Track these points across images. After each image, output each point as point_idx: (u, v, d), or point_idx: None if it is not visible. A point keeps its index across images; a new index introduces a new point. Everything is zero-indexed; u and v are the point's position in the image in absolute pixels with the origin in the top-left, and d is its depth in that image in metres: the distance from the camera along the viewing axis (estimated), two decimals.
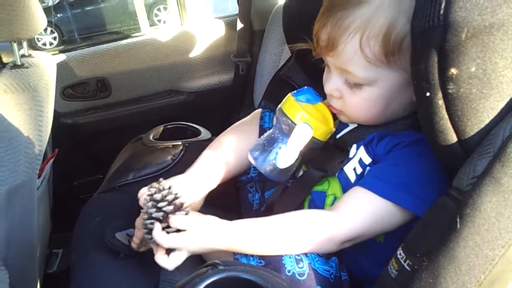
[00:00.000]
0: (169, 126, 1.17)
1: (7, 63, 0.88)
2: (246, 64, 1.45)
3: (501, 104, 0.45)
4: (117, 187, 0.96)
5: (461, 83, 0.44)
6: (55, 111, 0.95)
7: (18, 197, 0.67)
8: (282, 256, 0.59)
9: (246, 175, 0.81)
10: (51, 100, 0.88)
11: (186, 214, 0.60)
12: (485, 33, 0.41)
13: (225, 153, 0.75)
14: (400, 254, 0.50)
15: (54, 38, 5.00)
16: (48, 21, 0.95)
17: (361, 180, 0.63)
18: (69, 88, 1.39)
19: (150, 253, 0.62)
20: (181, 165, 0.97)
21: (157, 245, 0.60)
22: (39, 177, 0.81)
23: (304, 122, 0.63)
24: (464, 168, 0.47)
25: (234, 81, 1.51)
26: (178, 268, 0.60)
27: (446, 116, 0.47)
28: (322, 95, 0.68)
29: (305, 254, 0.60)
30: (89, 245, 0.79)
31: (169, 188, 0.61)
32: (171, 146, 1.03)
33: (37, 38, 4.44)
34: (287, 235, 0.61)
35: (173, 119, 1.22)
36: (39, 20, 0.86)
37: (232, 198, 0.85)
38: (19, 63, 0.86)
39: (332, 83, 0.63)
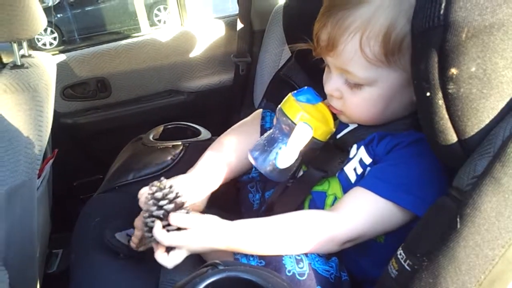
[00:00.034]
0: (169, 126, 1.17)
1: (7, 63, 0.88)
2: (246, 64, 1.45)
3: (501, 104, 0.45)
4: (117, 187, 0.96)
5: (461, 83, 0.44)
6: (55, 111, 0.95)
7: (18, 197, 0.67)
8: (282, 256, 0.59)
9: (247, 175, 0.81)
10: (51, 100, 0.88)
11: (187, 213, 0.60)
12: (485, 33, 0.41)
13: (227, 154, 0.75)
14: (400, 254, 0.50)
15: (54, 38, 5.00)
16: (48, 21, 0.95)
17: (361, 180, 0.63)
18: (69, 88, 1.38)
19: (150, 253, 0.62)
20: (181, 165, 0.97)
21: (157, 243, 0.60)
22: (39, 177, 0.80)
23: (304, 122, 0.63)
24: (464, 168, 0.47)
25: (234, 81, 1.51)
26: (178, 268, 0.60)
27: (446, 116, 0.47)
28: (322, 95, 0.68)
29: (305, 254, 0.60)
30: (89, 245, 0.79)
31: (171, 187, 0.62)
32: (171, 146, 1.03)
33: (37, 38, 4.44)
34: (288, 235, 0.61)
35: (173, 119, 1.22)
36: (39, 20, 0.86)
37: (232, 199, 0.85)
38: (19, 63, 0.86)
39: (332, 83, 0.63)
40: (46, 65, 0.93)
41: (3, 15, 0.77)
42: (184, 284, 0.48)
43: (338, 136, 0.69)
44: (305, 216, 0.63)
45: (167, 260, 0.59)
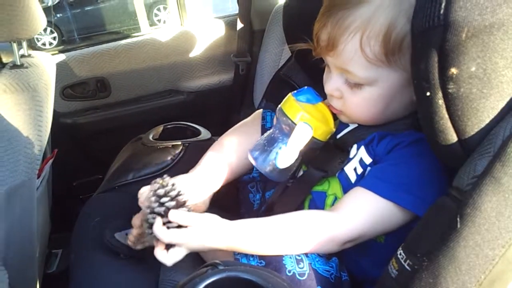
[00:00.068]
0: (168, 126, 1.17)
1: (6, 63, 0.88)
2: (246, 64, 1.45)
3: (501, 104, 0.45)
4: (117, 187, 0.96)
5: (461, 82, 0.44)
6: (54, 111, 0.95)
7: (17, 197, 0.67)
8: (282, 256, 0.59)
9: (248, 175, 0.81)
10: (50, 100, 0.88)
11: (188, 211, 0.61)
12: (485, 32, 0.41)
13: (228, 155, 0.75)
14: (400, 254, 0.50)
15: (54, 38, 5.00)
16: (48, 21, 0.95)
17: (361, 180, 0.63)
18: (69, 88, 1.38)
19: (150, 253, 0.62)
20: (181, 165, 0.97)
21: (157, 240, 0.60)
22: (38, 177, 0.80)
23: (304, 122, 0.63)
24: (464, 168, 0.47)
25: (234, 81, 1.51)
26: (178, 268, 0.60)
27: (446, 116, 0.47)
28: (322, 95, 0.68)
29: (306, 254, 0.60)
30: (89, 245, 0.79)
31: (173, 184, 0.62)
32: (170, 146, 1.03)
33: (37, 38, 4.44)
34: (288, 235, 0.61)
35: (172, 119, 1.22)
36: (39, 20, 0.86)
37: (233, 199, 0.85)
38: (18, 63, 0.86)
39: (332, 83, 0.63)
40: (46, 65, 0.93)
41: (3, 15, 0.77)
42: (184, 284, 0.48)
43: (338, 136, 0.69)
44: (305, 216, 0.63)
45: (166, 258, 0.59)
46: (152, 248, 0.62)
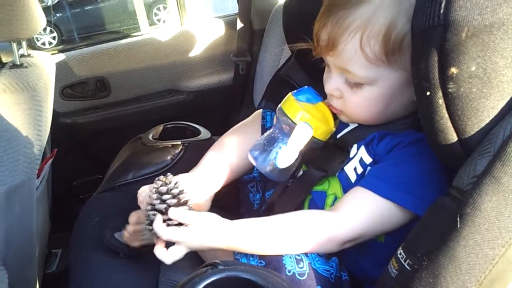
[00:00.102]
0: (168, 126, 1.17)
1: (6, 63, 0.88)
2: (246, 64, 1.44)
3: (501, 104, 0.45)
4: (116, 187, 0.96)
5: (461, 82, 0.44)
6: (54, 111, 0.95)
7: (17, 197, 0.67)
8: (282, 256, 0.59)
9: (248, 175, 0.81)
10: (50, 100, 0.88)
11: (189, 210, 0.61)
12: (485, 32, 0.41)
13: (229, 155, 0.75)
14: (400, 254, 0.50)
15: (53, 38, 5.00)
16: (48, 21, 0.95)
17: (361, 180, 0.63)
18: (68, 88, 1.38)
19: (150, 253, 0.62)
20: (180, 165, 0.97)
21: (157, 237, 0.60)
22: (38, 177, 0.80)
23: (304, 122, 0.63)
24: (465, 168, 0.47)
25: (234, 80, 1.51)
26: (177, 268, 0.60)
27: (447, 116, 0.47)
28: (322, 95, 0.68)
29: (306, 254, 0.60)
30: (88, 245, 0.79)
31: (176, 183, 0.62)
32: (170, 145, 1.03)
33: (36, 38, 4.44)
34: (288, 235, 0.60)
35: (172, 119, 1.22)
36: (39, 19, 0.86)
37: (233, 198, 0.85)
38: (18, 63, 0.86)
39: (332, 83, 0.63)
40: (45, 64, 0.93)
41: (3, 15, 0.77)
42: (184, 283, 0.48)
43: (338, 135, 0.69)
44: (305, 216, 0.62)
45: (166, 256, 0.59)
46: (152, 247, 0.62)
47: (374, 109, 0.62)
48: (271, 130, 0.69)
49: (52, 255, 1.10)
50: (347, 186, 0.65)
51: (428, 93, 0.46)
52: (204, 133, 1.13)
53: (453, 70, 0.43)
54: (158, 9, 5.22)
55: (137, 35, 1.49)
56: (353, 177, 0.65)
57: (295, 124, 0.63)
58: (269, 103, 1.25)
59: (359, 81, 0.60)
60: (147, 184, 0.70)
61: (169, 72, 1.48)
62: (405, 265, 0.49)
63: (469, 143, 0.47)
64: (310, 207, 0.69)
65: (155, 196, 0.61)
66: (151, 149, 1.03)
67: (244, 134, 0.79)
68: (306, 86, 0.69)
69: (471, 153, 0.47)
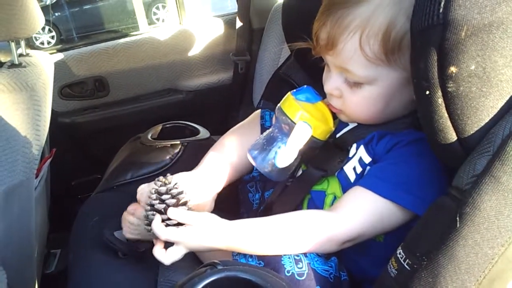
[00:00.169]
0: (167, 125, 1.17)
1: (4, 62, 0.88)
2: (245, 63, 1.44)
3: (501, 103, 0.45)
4: (115, 186, 0.96)
5: (460, 81, 0.44)
6: (52, 110, 0.94)
7: (16, 197, 0.67)
8: (281, 256, 0.59)
9: (248, 174, 0.81)
10: (49, 100, 0.88)
11: (189, 210, 0.61)
12: (485, 31, 0.41)
13: (229, 155, 0.75)
14: (400, 254, 0.50)
15: (52, 37, 4.98)
16: (46, 20, 0.94)
17: (361, 179, 0.63)
18: (67, 87, 1.38)
19: (149, 253, 0.62)
20: (180, 165, 0.96)
21: (156, 238, 0.60)
22: (36, 176, 0.80)
23: (304, 121, 0.62)
24: (464, 167, 0.47)
25: (233, 79, 1.51)
26: (176, 268, 0.60)
27: (446, 115, 0.46)
28: (321, 94, 0.68)
29: (305, 254, 0.60)
30: (87, 244, 0.79)
31: (175, 183, 0.62)
32: (169, 145, 1.03)
33: (35, 37, 4.43)
34: (287, 235, 0.60)
35: (171, 118, 1.21)
36: (37, 19, 0.86)
37: (232, 198, 0.85)
38: (17, 63, 0.86)
39: (331, 82, 0.63)
40: (44, 64, 0.92)
41: (1, 14, 0.77)
42: (183, 283, 0.48)
43: (338, 135, 0.69)
44: (305, 216, 0.62)
45: (164, 256, 0.59)
46: (151, 248, 0.62)
47: (373, 109, 0.62)
48: (270, 129, 0.69)
49: (51, 255, 1.10)
50: (346, 185, 0.65)
51: (427, 92, 0.46)
52: (203, 133, 1.13)
53: (453, 69, 0.43)
54: (157, 8, 5.21)
55: (136, 34, 1.49)
56: (352, 177, 0.65)
57: (295, 123, 0.63)
58: (268, 102, 1.24)
59: (358, 81, 0.60)
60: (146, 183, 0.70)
61: (168, 71, 1.47)
62: (405, 264, 0.49)
63: (468, 143, 0.47)
64: (309, 207, 0.69)
65: (154, 196, 0.61)
66: (150, 149, 1.02)
67: (244, 134, 0.78)
68: (305, 86, 0.69)
69: (470, 152, 0.47)
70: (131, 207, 0.69)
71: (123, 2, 5.43)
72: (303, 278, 0.57)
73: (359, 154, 0.65)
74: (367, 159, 0.63)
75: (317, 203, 0.68)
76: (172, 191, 0.61)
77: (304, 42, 0.65)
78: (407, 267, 0.49)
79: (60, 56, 1.36)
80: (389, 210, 0.59)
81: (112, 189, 0.96)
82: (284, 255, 0.59)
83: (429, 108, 0.47)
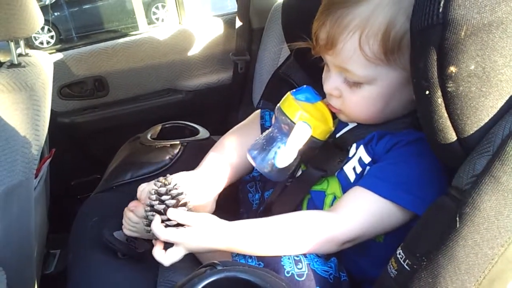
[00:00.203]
0: (167, 125, 1.16)
1: (4, 62, 0.88)
2: (245, 63, 1.44)
3: (501, 103, 0.45)
4: (115, 187, 0.96)
5: (460, 81, 0.44)
6: (52, 110, 0.94)
7: (15, 197, 0.67)
8: (281, 257, 0.59)
9: (248, 174, 0.81)
10: (48, 100, 0.87)
11: (188, 211, 0.61)
12: (484, 31, 0.41)
13: (230, 156, 0.75)
14: (399, 254, 0.50)
15: (51, 37, 4.98)
16: (45, 20, 0.94)
17: (361, 179, 0.63)
18: (67, 87, 1.38)
19: (148, 254, 0.62)
20: (179, 165, 0.96)
21: (156, 239, 0.60)
22: (36, 177, 0.80)
23: (303, 121, 0.62)
24: (464, 167, 0.47)
25: (233, 79, 1.50)
26: (176, 268, 0.60)
27: (446, 115, 0.46)
28: (321, 94, 0.68)
29: (304, 255, 0.60)
30: (87, 245, 0.79)
31: (175, 184, 0.62)
32: (169, 145, 1.02)
33: (34, 37, 4.44)
34: (287, 236, 0.60)
35: (171, 118, 1.21)
36: (37, 18, 0.86)
37: (232, 199, 0.85)
38: (16, 62, 0.85)
39: (331, 82, 0.63)
40: (43, 64, 0.92)
41: (1, 14, 0.77)
42: (182, 284, 0.48)
43: (338, 135, 0.69)
44: (304, 217, 0.62)
45: (164, 257, 0.59)
46: (150, 248, 0.62)
47: (373, 108, 0.62)
48: (270, 129, 0.69)
49: (51, 255, 1.10)
50: (346, 185, 0.65)
51: (427, 92, 0.46)
52: (203, 133, 1.13)
53: (452, 69, 0.43)
54: (157, 7, 5.21)
55: (136, 34, 1.49)
56: (352, 177, 0.64)
57: (294, 123, 0.63)
58: (268, 102, 1.24)
59: (358, 80, 0.60)
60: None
61: (168, 71, 1.47)
62: (404, 265, 0.49)
63: (468, 143, 0.47)
64: (308, 207, 0.69)
65: (154, 196, 0.61)
66: (149, 149, 1.02)
67: (244, 135, 0.78)
68: (305, 85, 0.69)
69: (470, 152, 0.47)
70: (132, 204, 0.70)
71: (123, 2, 5.42)
72: (302, 278, 0.57)
73: (358, 154, 0.65)
74: (367, 159, 0.63)
75: (317, 203, 0.68)
76: (172, 192, 0.61)
77: (303, 41, 0.65)
78: (406, 267, 0.48)
79: (59, 56, 1.35)
80: (389, 210, 0.59)
81: (111, 189, 0.96)
82: (284, 255, 0.59)
83: (429, 108, 0.47)
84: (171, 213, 0.59)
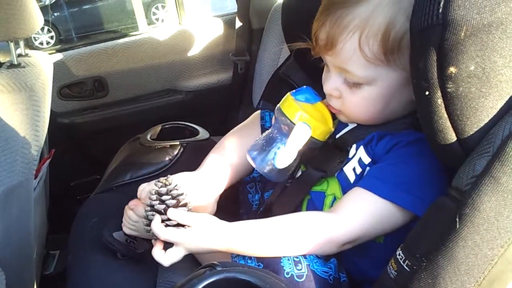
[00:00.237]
0: (166, 126, 1.16)
1: (3, 63, 0.88)
2: (245, 63, 1.44)
3: (500, 103, 0.45)
4: (114, 187, 0.96)
5: (460, 82, 0.44)
6: (52, 111, 0.94)
7: (14, 198, 0.67)
8: (280, 258, 0.59)
9: (248, 175, 0.81)
10: (48, 100, 0.87)
11: (188, 211, 0.61)
12: (484, 31, 0.41)
13: (230, 157, 0.75)
14: (399, 255, 0.50)
15: (51, 37, 4.98)
16: (45, 20, 0.94)
17: (360, 180, 0.62)
18: (66, 88, 1.38)
19: (148, 254, 0.62)
20: (179, 165, 0.96)
21: (156, 239, 0.60)
22: (35, 177, 0.80)
23: (303, 122, 0.62)
24: (464, 168, 0.47)
25: (232, 80, 1.51)
26: (175, 269, 0.60)
27: (445, 115, 0.46)
28: (321, 95, 0.67)
29: (304, 256, 0.60)
30: (86, 245, 0.79)
31: (176, 185, 0.63)
32: (168, 146, 1.02)
33: (34, 37, 4.44)
34: (287, 237, 0.60)
35: (171, 119, 1.21)
36: (36, 19, 0.86)
37: (232, 199, 0.85)
38: (16, 63, 0.85)
39: (331, 83, 0.63)
40: (43, 64, 0.92)
41: (1, 14, 0.77)
42: (182, 285, 0.48)
43: (337, 135, 0.69)
44: (304, 218, 0.62)
45: (163, 258, 0.59)
46: (150, 249, 0.62)
47: (373, 109, 0.62)
48: (269, 130, 0.69)
49: (50, 256, 1.10)
50: (346, 186, 0.64)
51: (427, 93, 0.46)
52: (203, 133, 1.13)
53: (452, 69, 0.43)
54: (157, 8, 5.21)
55: (135, 35, 1.49)
56: (352, 178, 0.64)
57: (294, 124, 0.63)
58: (268, 103, 1.24)
59: (358, 81, 0.60)
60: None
61: (168, 71, 1.47)
62: (404, 266, 0.49)
63: (468, 143, 0.47)
64: (308, 208, 0.69)
65: (154, 196, 0.61)
66: (149, 150, 1.02)
67: (244, 135, 0.78)
68: (305, 86, 0.69)
69: (470, 153, 0.47)
70: (132, 202, 0.70)
71: (123, 2, 5.43)
72: (302, 279, 0.57)
73: (358, 155, 0.65)
74: (367, 159, 0.63)
75: (317, 204, 0.68)
76: (172, 192, 0.61)
77: (303, 42, 0.65)
78: (406, 268, 0.48)
79: (59, 56, 1.35)
80: (389, 211, 0.59)
81: (111, 190, 0.96)
82: (283, 256, 0.59)
83: (429, 108, 0.47)
84: (171, 213, 0.59)
